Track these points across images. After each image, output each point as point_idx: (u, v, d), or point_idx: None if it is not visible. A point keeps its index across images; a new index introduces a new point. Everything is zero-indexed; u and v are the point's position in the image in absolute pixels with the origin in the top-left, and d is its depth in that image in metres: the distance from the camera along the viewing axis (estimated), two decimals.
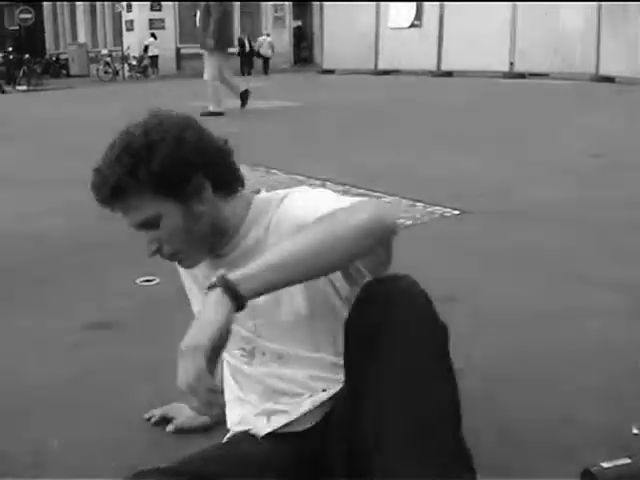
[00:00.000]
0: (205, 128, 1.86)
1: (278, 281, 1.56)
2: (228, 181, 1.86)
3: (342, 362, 1.77)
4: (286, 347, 1.87)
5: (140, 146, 1.74)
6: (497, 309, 3.45)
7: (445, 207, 5.34)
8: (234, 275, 1.54)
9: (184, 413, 2.38)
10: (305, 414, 1.85)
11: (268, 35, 35.99)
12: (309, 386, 1.86)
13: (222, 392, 1.60)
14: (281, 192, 1.90)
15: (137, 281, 3.85)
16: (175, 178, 1.75)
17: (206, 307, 1.53)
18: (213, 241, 1.87)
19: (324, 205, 1.70)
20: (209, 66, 12.34)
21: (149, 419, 2.42)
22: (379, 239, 1.64)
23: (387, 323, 1.62)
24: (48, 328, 3.40)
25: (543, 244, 4.48)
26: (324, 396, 1.85)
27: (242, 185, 1.90)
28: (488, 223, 5.02)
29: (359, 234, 1.58)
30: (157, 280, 3.76)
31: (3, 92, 25.48)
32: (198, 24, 12.74)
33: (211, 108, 12.12)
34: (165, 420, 2.40)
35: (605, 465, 1.98)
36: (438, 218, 5.11)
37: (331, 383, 1.84)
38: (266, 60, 34.63)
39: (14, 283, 4.10)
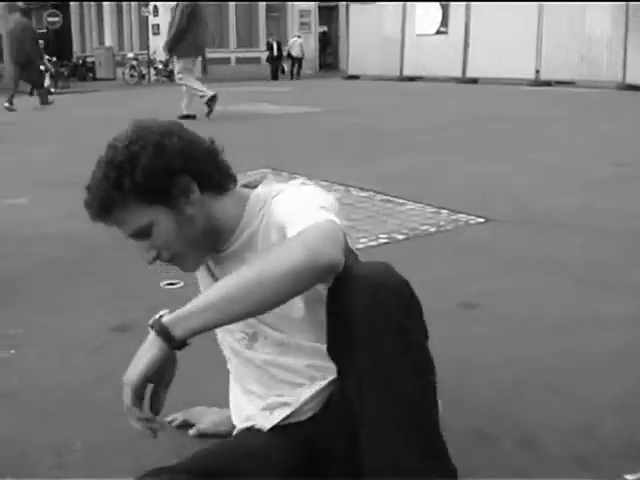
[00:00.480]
0: (190, 131, 1.88)
1: (212, 321, 1.62)
2: (217, 181, 1.87)
3: None
4: (287, 335, 1.90)
5: (123, 159, 1.76)
6: (517, 316, 3.44)
7: (470, 214, 5.32)
8: (168, 317, 1.62)
9: (207, 417, 2.38)
10: (305, 404, 1.89)
11: (299, 37, 35.84)
12: (309, 375, 1.90)
13: (153, 418, 1.68)
14: (276, 188, 1.92)
15: (161, 284, 3.85)
16: (159, 185, 1.77)
17: (142, 346, 1.63)
18: (211, 241, 1.89)
19: (298, 215, 1.71)
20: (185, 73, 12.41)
21: (171, 422, 2.41)
22: (312, 280, 1.62)
23: (367, 311, 1.63)
24: (71, 330, 3.41)
25: (566, 252, 4.45)
26: (323, 383, 1.88)
27: (234, 183, 1.92)
28: (512, 231, 5.00)
29: (289, 278, 1.58)
30: (181, 284, 3.76)
31: (31, 94, 25.65)
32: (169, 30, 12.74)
33: (204, 101, 12.21)
34: (187, 424, 2.41)
35: (629, 477, 1.96)
36: (463, 226, 5.09)
37: (329, 372, 1.85)
38: (299, 62, 34.47)
39: (38, 284, 4.12)
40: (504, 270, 4.15)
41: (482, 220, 5.21)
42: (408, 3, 26.71)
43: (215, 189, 1.86)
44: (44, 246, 4.86)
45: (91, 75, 37.68)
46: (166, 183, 1.78)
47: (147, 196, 1.77)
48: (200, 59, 12.61)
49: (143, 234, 1.81)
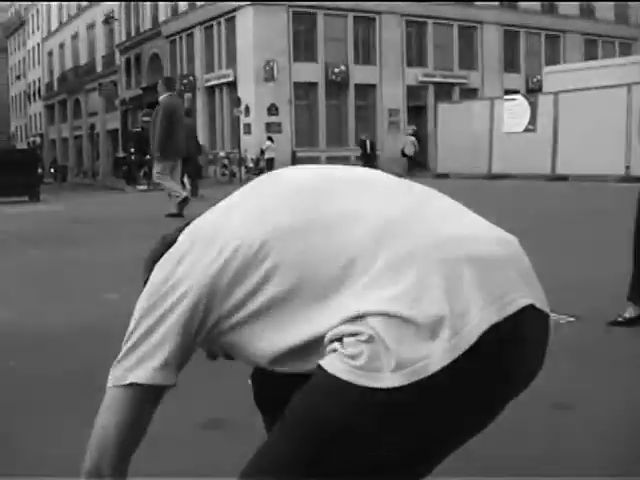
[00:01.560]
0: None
1: None
2: None
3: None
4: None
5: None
6: (612, 417, 3.38)
7: (560, 314, 5.26)
8: None
9: None
10: None
11: (412, 135, 36.07)
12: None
13: None
14: None
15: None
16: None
17: None
18: None
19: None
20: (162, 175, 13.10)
21: None
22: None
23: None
24: (161, 423, 3.45)
25: None
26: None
27: None
28: (605, 331, 4.92)
29: None
30: None
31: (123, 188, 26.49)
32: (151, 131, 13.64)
33: (177, 202, 12.71)
34: None
35: None
36: (553, 325, 5.01)
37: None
38: (410, 158, 34.72)
39: None
40: (594, 370, 4.08)
41: (572, 319, 5.14)
42: (496, 101, 26.99)
43: None
44: None
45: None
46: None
47: None
48: (180, 162, 13.16)
49: None
